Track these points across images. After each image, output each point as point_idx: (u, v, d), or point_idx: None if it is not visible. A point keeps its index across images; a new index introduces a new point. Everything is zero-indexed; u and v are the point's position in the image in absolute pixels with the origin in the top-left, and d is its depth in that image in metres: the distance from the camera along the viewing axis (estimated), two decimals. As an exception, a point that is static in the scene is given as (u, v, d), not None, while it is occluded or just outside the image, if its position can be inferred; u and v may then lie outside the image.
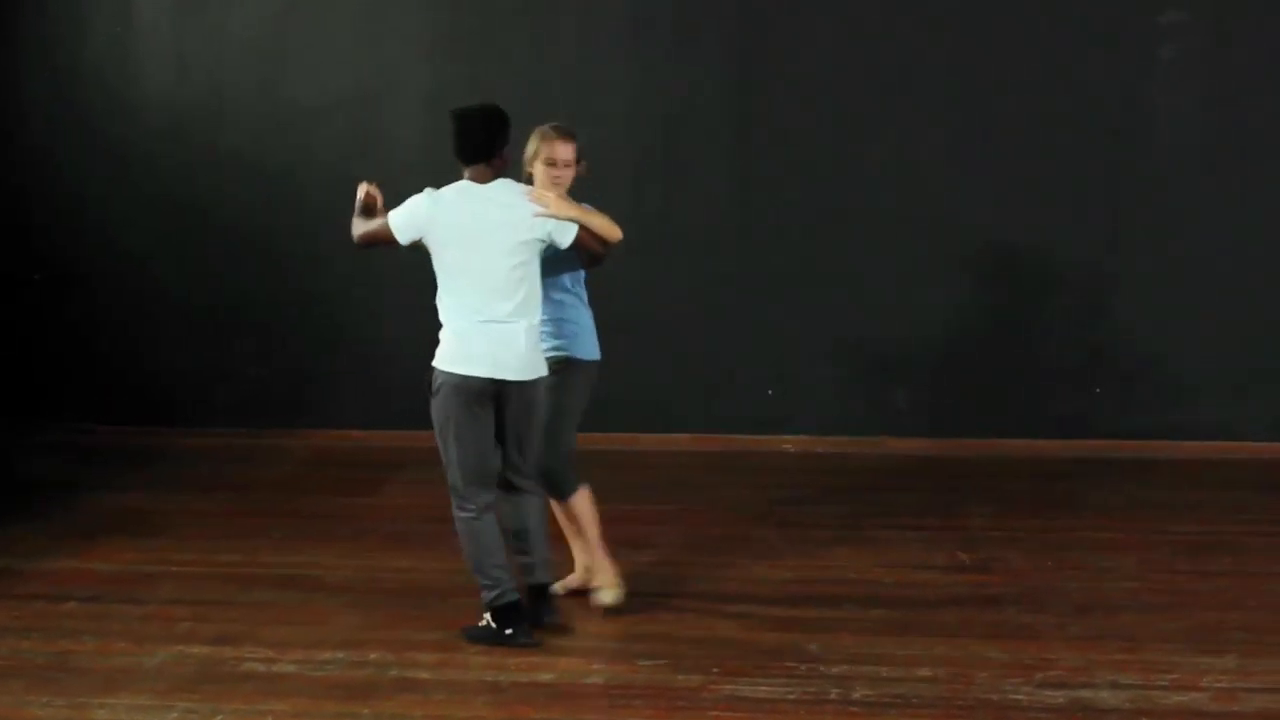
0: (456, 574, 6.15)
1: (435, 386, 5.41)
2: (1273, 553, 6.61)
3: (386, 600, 5.95)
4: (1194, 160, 8.46)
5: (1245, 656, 5.22)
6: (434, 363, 5.43)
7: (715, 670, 5.11)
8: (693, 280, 8.75)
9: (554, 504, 5.79)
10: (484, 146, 5.40)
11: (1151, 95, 8.47)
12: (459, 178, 5.43)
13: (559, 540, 5.87)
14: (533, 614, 5.48)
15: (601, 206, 5.58)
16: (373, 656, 5.29)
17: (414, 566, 6.41)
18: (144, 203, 9.07)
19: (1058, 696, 4.87)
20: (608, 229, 5.50)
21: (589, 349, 5.72)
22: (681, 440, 8.76)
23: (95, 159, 9.11)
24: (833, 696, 4.89)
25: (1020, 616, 5.69)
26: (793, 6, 8.62)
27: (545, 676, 5.10)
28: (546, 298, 5.54)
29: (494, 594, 5.41)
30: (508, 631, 5.38)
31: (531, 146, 5.63)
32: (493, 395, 5.36)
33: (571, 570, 5.99)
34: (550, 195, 5.44)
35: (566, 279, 5.66)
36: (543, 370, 5.46)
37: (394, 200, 5.54)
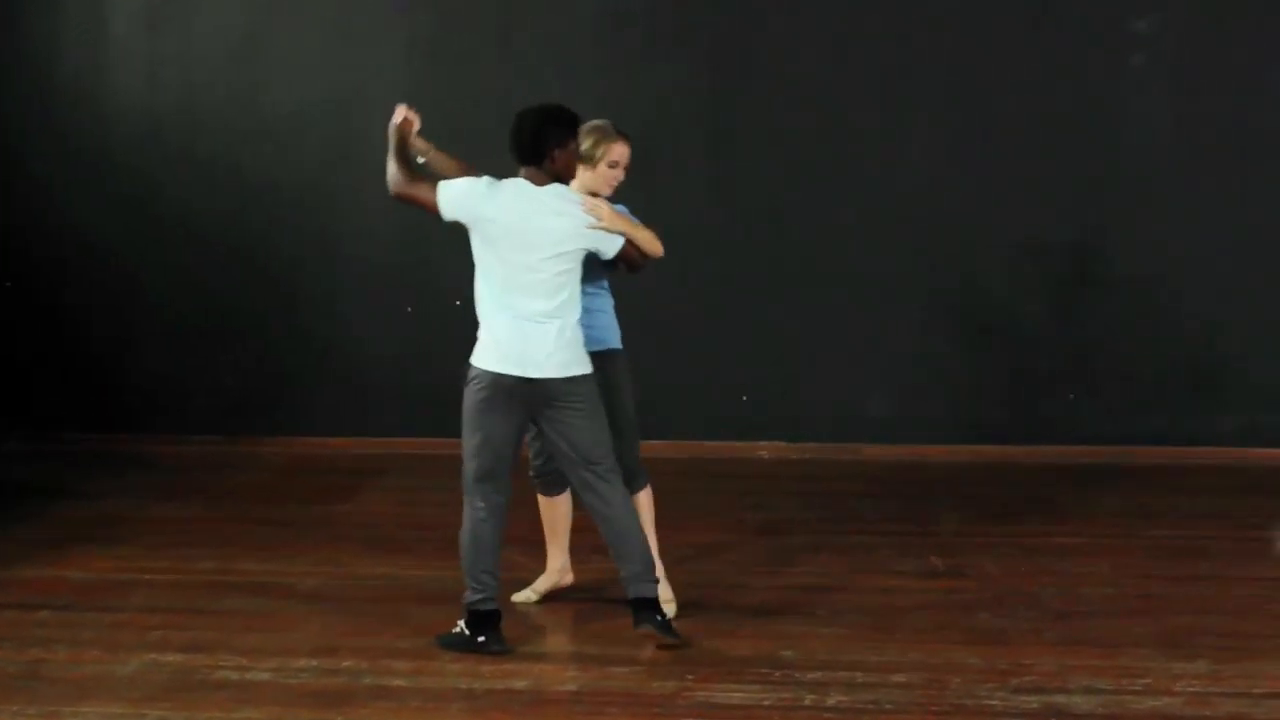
0: (431, 581, 6.16)
1: (468, 380, 5.36)
2: (1245, 557, 6.65)
3: (361, 607, 5.93)
4: (1169, 165, 8.53)
5: (1218, 661, 5.23)
6: (471, 359, 5.37)
7: (689, 677, 5.10)
8: (665, 287, 8.73)
9: (541, 500, 5.83)
10: (530, 149, 5.31)
11: (1151, 96, 8.53)
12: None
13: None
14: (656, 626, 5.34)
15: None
16: (347, 664, 5.27)
17: (389, 574, 6.39)
18: (119, 210, 9.03)
19: (1032, 702, 4.88)
20: (652, 244, 5.45)
21: (619, 337, 5.70)
22: (656, 447, 8.74)
23: (70, 166, 9.06)
24: (807, 703, 4.88)
25: (994, 622, 5.70)
26: (792, 5, 8.65)
27: (520, 684, 5.09)
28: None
29: (477, 598, 5.37)
30: (480, 639, 5.35)
31: (588, 144, 5.50)
32: (524, 395, 5.28)
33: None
34: (605, 207, 5.37)
35: (597, 274, 5.60)
36: (577, 369, 5.34)
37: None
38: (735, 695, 4.96)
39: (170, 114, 8.97)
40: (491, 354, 5.30)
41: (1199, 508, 7.54)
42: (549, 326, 5.28)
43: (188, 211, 8.98)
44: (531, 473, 5.86)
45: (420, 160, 5.53)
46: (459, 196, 5.29)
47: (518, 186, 5.32)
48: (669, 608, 5.59)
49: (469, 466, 5.39)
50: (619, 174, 5.56)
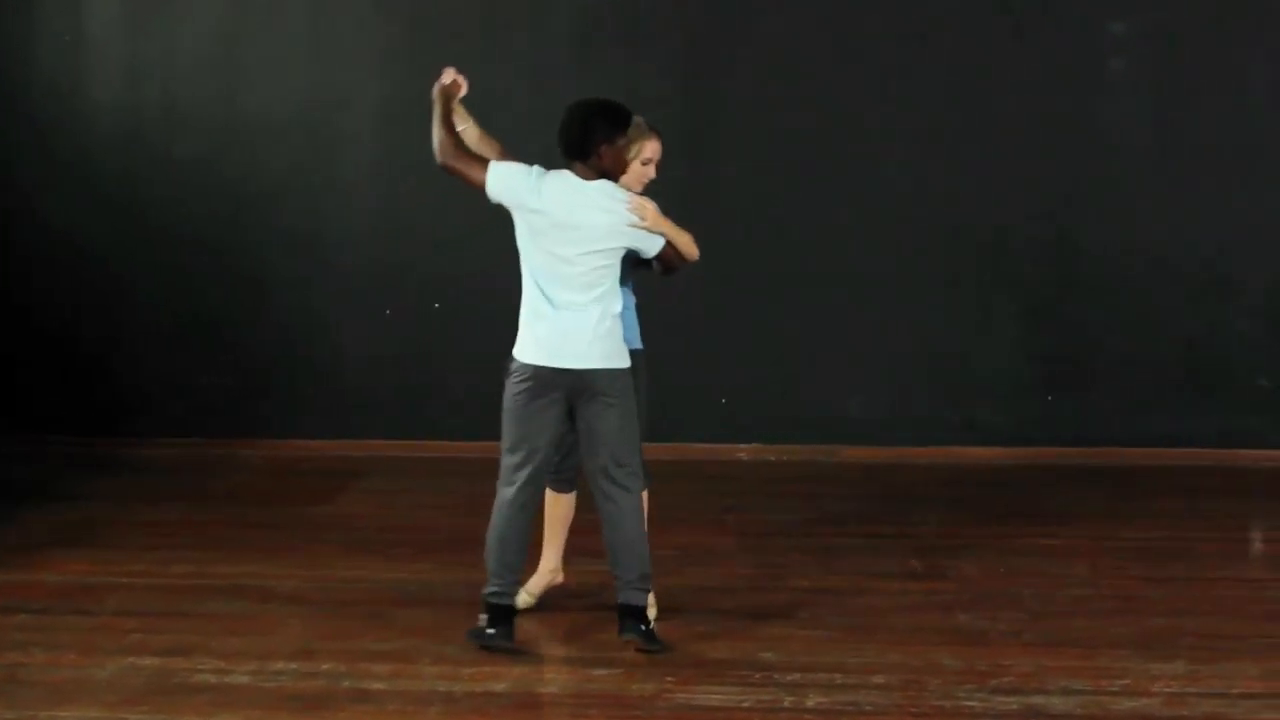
0: (411, 584, 6.15)
1: (509, 373, 5.33)
2: (1223, 558, 6.68)
3: (340, 610, 5.91)
4: (1147, 169, 8.56)
5: (1195, 662, 5.26)
6: (513, 351, 5.33)
7: (669, 679, 5.10)
8: (662, 287, 8.71)
9: (549, 495, 5.74)
10: (576, 144, 5.26)
11: (1151, 97, 8.56)
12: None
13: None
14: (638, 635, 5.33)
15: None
16: (326, 667, 5.25)
17: (369, 576, 6.38)
18: (97, 213, 8.98)
19: (1010, 703, 4.89)
20: (690, 248, 5.44)
21: (639, 335, 5.68)
22: (651, 450, 8.73)
23: (46, 168, 9.00)
24: (786, 705, 4.89)
25: (973, 623, 5.72)
26: (792, 5, 8.66)
27: (499, 686, 5.09)
28: None
29: (493, 589, 5.36)
30: (490, 631, 5.33)
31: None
32: (564, 388, 5.25)
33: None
34: (650, 207, 5.33)
35: (626, 273, 5.55)
36: (616, 362, 5.30)
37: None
38: (715, 697, 4.96)
39: (148, 117, 8.93)
40: (531, 347, 5.27)
41: (1177, 509, 7.57)
42: (588, 317, 5.24)
43: (169, 215, 8.93)
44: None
45: (460, 128, 5.42)
46: (510, 180, 5.23)
47: (565, 180, 5.27)
48: (650, 611, 5.58)
49: (507, 460, 5.35)
50: (651, 171, 5.54)
